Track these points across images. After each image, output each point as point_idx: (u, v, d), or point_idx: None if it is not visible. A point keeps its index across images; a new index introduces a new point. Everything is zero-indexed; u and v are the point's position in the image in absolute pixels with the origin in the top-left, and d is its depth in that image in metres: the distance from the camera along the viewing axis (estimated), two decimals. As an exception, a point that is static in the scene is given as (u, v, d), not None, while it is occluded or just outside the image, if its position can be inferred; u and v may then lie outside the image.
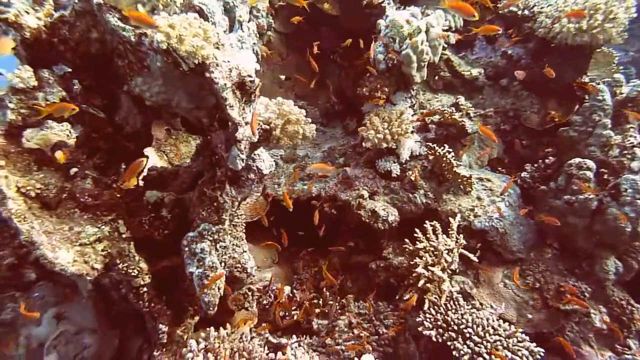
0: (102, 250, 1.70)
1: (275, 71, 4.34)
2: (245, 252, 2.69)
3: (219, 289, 2.41)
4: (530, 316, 3.14)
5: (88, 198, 1.71)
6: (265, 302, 3.36)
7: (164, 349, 2.07)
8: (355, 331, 3.07)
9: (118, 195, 1.80)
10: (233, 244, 2.65)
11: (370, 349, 3.03)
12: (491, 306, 3.11)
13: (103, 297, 2.49)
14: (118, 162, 1.96)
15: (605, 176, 3.05)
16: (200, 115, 1.75)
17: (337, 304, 3.29)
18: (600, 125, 3.02)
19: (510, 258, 3.27)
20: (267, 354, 2.14)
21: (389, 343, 3.13)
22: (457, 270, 3.27)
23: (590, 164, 2.98)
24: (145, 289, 2.02)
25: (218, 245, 2.07)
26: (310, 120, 1.96)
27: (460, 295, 3.02)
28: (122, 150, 1.93)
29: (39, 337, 3.34)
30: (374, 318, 3.14)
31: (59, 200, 1.66)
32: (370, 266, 3.46)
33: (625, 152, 2.99)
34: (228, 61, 1.57)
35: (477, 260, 3.07)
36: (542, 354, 2.64)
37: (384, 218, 3.29)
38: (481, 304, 3.10)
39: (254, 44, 2.77)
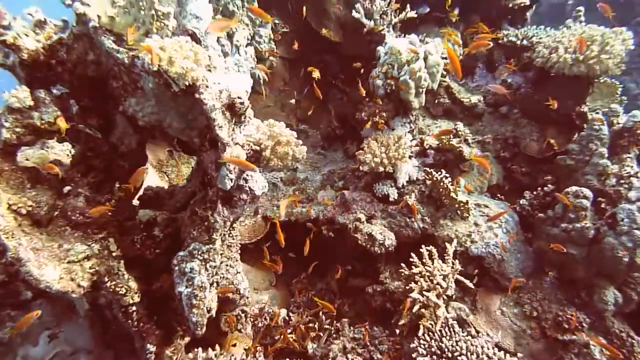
0: (90, 268, 1.72)
1: (278, 95, 4.41)
2: (239, 273, 2.68)
3: (208, 310, 2.40)
4: (527, 345, 3.07)
5: (79, 216, 1.73)
6: (260, 324, 3.34)
7: (151, 369, 2.05)
8: (350, 356, 3.02)
9: (109, 214, 1.82)
10: (227, 265, 2.65)
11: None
12: (487, 334, 3.05)
13: (99, 317, 2.48)
14: (112, 181, 1.99)
15: (603, 205, 3.02)
16: (192, 135, 1.78)
17: (332, 328, 3.25)
18: (596, 155, 3.01)
19: (507, 285, 3.22)
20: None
21: (387, 368, 3.08)
22: (454, 297, 3.23)
23: (587, 192, 2.95)
24: (134, 308, 2.02)
25: (208, 265, 2.08)
26: (301, 142, 1.99)
27: (455, 322, 2.97)
28: (117, 169, 1.97)
29: (36, 358, 3.34)
30: (368, 343, 3.10)
31: (50, 218, 1.68)
32: (367, 290, 3.43)
33: (622, 181, 2.97)
34: (218, 83, 1.61)
35: (473, 287, 3.03)
36: (536, 385, 2.57)
37: (381, 242, 3.27)
38: (477, 332, 3.04)
39: (252, 67, 2.84)
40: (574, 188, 3.02)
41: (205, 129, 1.69)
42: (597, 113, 3.13)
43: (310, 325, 3.37)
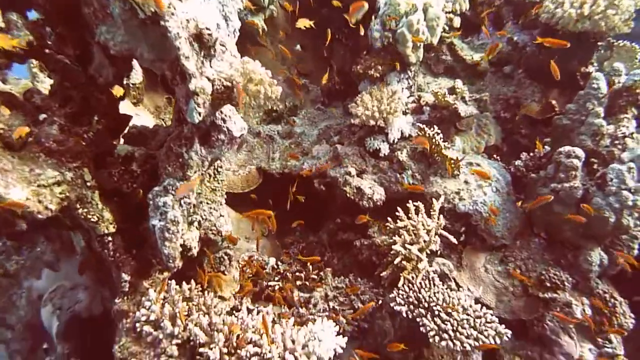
0: (60, 193, 1.78)
1: (279, 48, 4.36)
2: (222, 216, 2.75)
3: (188, 249, 2.48)
4: (509, 302, 3.11)
5: (53, 143, 1.79)
6: (248, 271, 3.44)
7: (126, 297, 2.15)
8: (331, 304, 3.11)
9: (84, 143, 1.87)
10: (210, 207, 2.72)
11: (345, 321, 3.06)
12: (468, 289, 3.09)
13: (95, 255, 2.58)
14: (90, 114, 2.03)
15: (595, 166, 2.98)
16: (164, 67, 1.80)
17: (317, 277, 3.33)
18: (592, 114, 2.94)
19: (493, 244, 3.24)
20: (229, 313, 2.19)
21: (365, 318, 3.16)
22: (439, 253, 3.26)
23: (579, 152, 2.90)
24: (109, 239, 2.10)
25: (182, 201, 2.13)
26: (276, 82, 1.99)
27: (437, 276, 3.01)
28: (95, 102, 2.01)
29: (38, 290, 3.53)
30: (350, 292, 3.17)
31: (23, 143, 1.74)
32: (354, 244, 3.48)
33: (617, 142, 2.91)
34: (186, 12, 1.61)
35: (456, 242, 3.05)
36: (509, 336, 2.61)
37: (369, 196, 3.30)
38: (458, 286, 3.08)
39: (241, 9, 2.80)
40: (567, 148, 2.97)
41: (175, 61, 1.71)
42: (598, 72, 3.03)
43: (298, 274, 3.46)
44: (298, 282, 3.38)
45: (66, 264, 3.31)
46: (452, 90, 3.60)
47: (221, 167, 2.76)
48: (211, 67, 1.79)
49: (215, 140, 2.20)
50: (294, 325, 2.19)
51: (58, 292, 3.25)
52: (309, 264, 3.51)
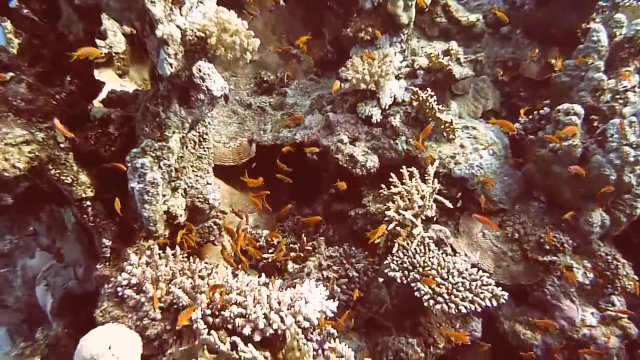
0: (30, 152, 1.74)
1: (268, 16, 4.29)
2: (210, 184, 2.71)
3: (173, 216, 2.45)
4: (508, 267, 3.06)
5: (21, 102, 1.74)
6: (241, 244, 3.41)
7: (107, 263, 2.12)
8: (325, 272, 3.08)
9: (54, 103, 1.83)
10: (196, 175, 2.68)
11: (339, 290, 3.03)
12: (465, 254, 3.05)
13: (85, 231, 2.55)
14: (62, 73, 1.98)
15: (595, 123, 2.90)
16: (132, 18, 1.74)
17: (311, 248, 3.30)
18: (592, 68, 2.86)
19: (491, 208, 3.18)
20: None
21: (360, 287, 3.13)
22: (435, 219, 3.22)
23: (578, 108, 2.83)
24: (88, 203, 2.06)
25: (162, 163, 2.09)
26: (253, 33, 1.93)
27: (432, 242, 2.97)
28: (66, 61, 1.95)
29: (33, 269, 3.53)
30: (344, 261, 3.13)
31: (-11, 101, 1.70)
32: (349, 214, 3.44)
33: (618, 96, 2.82)
34: (150, -45, 1.55)
35: (452, 207, 3.00)
36: (505, 298, 2.57)
37: (362, 163, 3.25)
38: (455, 252, 3.04)
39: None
40: (565, 105, 2.89)
41: (142, 9, 1.65)
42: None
43: (292, 246, 3.43)
44: (292, 254, 3.36)
45: (58, 242, 3.29)
46: (446, 53, 3.51)
47: (207, 134, 2.72)
48: (182, 15, 1.73)
49: (195, 100, 2.15)
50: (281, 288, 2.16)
51: (51, 270, 3.24)
52: (303, 235, 3.49)
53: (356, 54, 3.48)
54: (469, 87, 3.75)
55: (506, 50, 3.84)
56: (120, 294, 2.02)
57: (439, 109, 3.16)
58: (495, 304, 2.57)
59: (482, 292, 2.56)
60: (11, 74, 1.81)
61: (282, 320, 1.92)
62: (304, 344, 1.85)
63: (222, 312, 1.95)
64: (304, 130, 3.69)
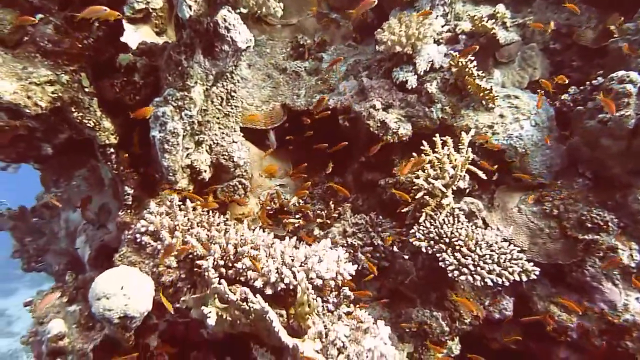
0: (53, 93, 1.79)
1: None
2: (235, 142, 2.72)
3: (195, 169, 2.47)
4: (544, 245, 2.90)
5: (48, 43, 1.78)
6: (269, 208, 3.43)
7: (129, 211, 2.17)
8: (349, 240, 3.04)
9: (80, 46, 1.86)
10: (222, 132, 2.69)
11: (363, 258, 2.99)
12: (498, 229, 2.91)
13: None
14: (91, 19, 2.01)
15: (654, 92, 2.65)
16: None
17: (337, 216, 3.27)
18: (654, 31, 2.60)
19: (530, 182, 3.01)
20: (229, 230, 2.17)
21: (386, 257, 3.07)
22: (468, 191, 3.09)
23: (635, 76, 2.59)
24: (112, 150, 2.11)
25: (183, 114, 2.10)
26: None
27: (462, 214, 2.85)
28: (95, 4, 1.98)
29: (74, 222, 3.70)
30: (370, 229, 3.08)
31: (18, 41, 1.75)
32: (379, 183, 3.37)
33: (682, 63, 2.56)
34: None
35: (485, 178, 2.86)
36: (536, 274, 2.44)
37: (394, 130, 3.15)
38: (486, 225, 2.91)
39: None
40: (620, 72, 2.66)
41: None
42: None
43: (319, 212, 3.41)
44: (319, 220, 3.34)
45: (98, 197, 3.43)
46: (492, 16, 3.30)
47: (235, 91, 2.71)
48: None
49: (219, 52, 2.14)
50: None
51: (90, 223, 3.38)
52: (331, 203, 3.45)
53: (395, 16, 3.34)
54: (516, 54, 3.53)
55: (560, 17, 3.56)
56: (138, 240, 2.07)
57: (479, 76, 2.99)
58: (525, 278, 2.46)
59: (511, 266, 2.44)
60: (40, 15, 1.85)
61: (294, 276, 1.90)
62: (313, 299, 1.83)
63: (235, 264, 1.95)
64: (337, 96, 3.61)
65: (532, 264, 2.48)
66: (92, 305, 1.78)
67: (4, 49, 1.72)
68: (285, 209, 3.48)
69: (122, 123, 2.16)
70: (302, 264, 1.95)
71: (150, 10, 3.31)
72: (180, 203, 2.22)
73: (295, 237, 2.17)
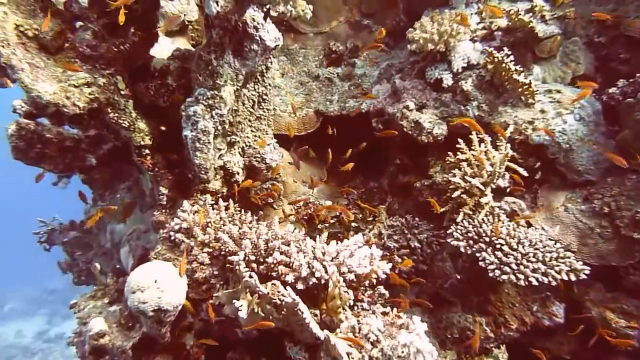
0: (90, 94, 1.89)
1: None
2: (268, 145, 2.77)
3: (231, 173, 2.53)
4: (595, 246, 2.76)
5: (86, 48, 1.90)
6: (303, 213, 3.45)
7: (163, 210, 2.25)
8: (385, 242, 3.00)
9: (115, 50, 1.97)
10: (255, 135, 2.75)
11: (400, 260, 2.94)
12: (542, 228, 2.80)
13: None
14: (126, 26, 2.13)
15: None
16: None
17: (370, 217, 3.25)
18: None
19: (576, 179, 2.89)
20: (263, 225, 2.20)
21: (424, 260, 3.01)
22: (509, 190, 2.99)
23: (687, 61, 2.46)
24: (147, 151, 2.20)
25: (214, 113, 2.16)
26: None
27: (502, 213, 2.77)
28: (130, 12, 2.10)
29: (119, 234, 3.87)
30: (406, 231, 3.03)
31: (59, 47, 1.88)
32: (414, 185, 3.32)
33: None
34: None
35: (526, 175, 2.77)
36: (586, 273, 2.32)
37: (429, 130, 3.12)
38: (529, 225, 2.80)
39: None
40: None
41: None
42: None
43: (354, 217, 3.40)
44: (354, 224, 3.32)
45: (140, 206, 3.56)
46: (529, 10, 3.24)
47: (267, 94, 2.78)
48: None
49: (249, 51, 2.21)
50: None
51: (134, 234, 3.52)
52: (366, 206, 3.44)
53: (427, 16, 3.34)
54: (557, 49, 3.43)
55: (605, 8, 3.44)
56: (172, 238, 2.13)
57: (516, 70, 2.93)
58: (573, 278, 2.34)
59: (557, 265, 2.33)
60: (80, 23, 1.98)
61: (325, 270, 1.90)
62: (345, 292, 1.82)
63: (266, 260, 1.97)
64: (370, 100, 3.62)
65: (581, 263, 2.36)
66: (127, 299, 1.84)
67: (46, 55, 1.85)
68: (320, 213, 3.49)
69: (156, 125, 2.25)
70: (334, 258, 1.94)
71: (187, 23, 3.46)
72: (213, 202, 2.27)
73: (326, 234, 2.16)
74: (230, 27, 2.00)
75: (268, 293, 1.83)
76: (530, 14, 3.16)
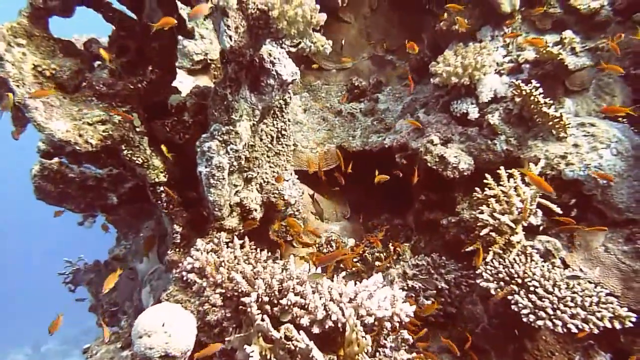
0: (104, 132, 1.90)
1: (363, 23, 4.31)
2: (287, 181, 2.72)
3: (248, 210, 2.48)
4: (640, 290, 2.55)
5: (103, 87, 1.92)
6: (325, 251, 3.37)
7: (177, 249, 2.20)
8: (410, 282, 2.86)
9: (132, 87, 1.99)
10: (273, 171, 2.71)
11: (427, 303, 2.79)
12: (581, 270, 2.62)
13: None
14: (145, 63, 2.16)
15: None
16: (200, -2, 1.85)
17: (394, 255, 3.12)
18: None
19: (616, 218, 2.71)
20: (278, 267, 2.12)
21: (452, 302, 2.86)
22: (542, 229, 2.84)
23: None
24: (161, 189, 2.18)
25: (229, 148, 2.14)
26: (319, 7, 1.91)
27: (535, 252, 2.61)
28: (149, 51, 2.13)
29: (142, 273, 3.87)
30: (432, 271, 2.89)
31: (76, 85, 1.91)
32: (441, 222, 3.20)
33: None
34: None
35: (560, 212, 2.62)
36: (632, 320, 2.12)
37: (454, 165, 3.02)
38: (566, 265, 2.63)
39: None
40: None
41: (207, -13, 1.74)
42: None
43: (378, 255, 3.28)
44: (377, 263, 3.20)
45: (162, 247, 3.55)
46: (558, 43, 3.17)
47: (285, 130, 2.76)
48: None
49: (265, 86, 2.20)
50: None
51: (155, 274, 3.49)
52: (390, 245, 3.32)
53: (451, 49, 3.30)
54: (589, 82, 3.32)
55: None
56: (185, 278, 2.07)
57: (546, 103, 2.83)
58: (618, 326, 2.14)
59: (599, 311, 2.15)
60: (98, 62, 2.02)
61: (343, 312, 1.79)
62: (362, 336, 1.70)
63: (281, 301, 1.88)
64: (393, 135, 3.57)
65: (626, 309, 2.17)
66: (134, 344, 1.77)
67: (62, 94, 1.88)
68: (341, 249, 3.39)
69: (173, 162, 2.24)
70: (351, 300, 1.84)
71: (209, 62, 3.53)
72: (228, 240, 2.22)
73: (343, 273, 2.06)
74: (245, 62, 2.00)
75: (281, 338, 1.73)
76: (560, 46, 3.08)
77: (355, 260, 3.30)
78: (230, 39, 1.76)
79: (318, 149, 3.73)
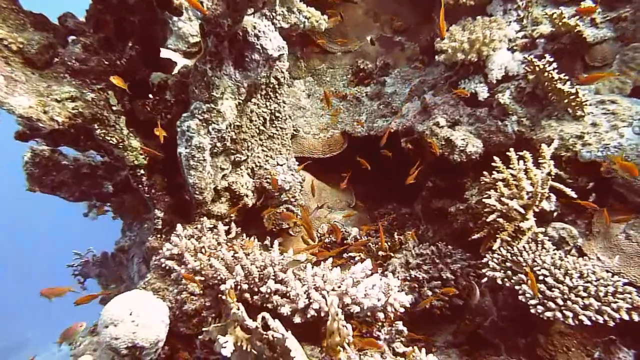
0: (73, 109, 1.81)
1: (370, 3, 4.15)
2: (280, 165, 2.62)
3: (238, 195, 2.39)
4: (665, 281, 2.35)
5: (75, 62, 1.84)
6: (327, 240, 3.26)
7: (158, 235, 2.12)
8: (413, 272, 2.72)
9: (107, 64, 1.90)
10: (266, 155, 2.61)
11: (430, 294, 2.65)
12: (598, 258, 2.43)
13: None
14: (124, 40, 2.08)
15: None
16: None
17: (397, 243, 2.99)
18: None
19: (638, 202, 2.51)
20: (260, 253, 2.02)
21: (459, 294, 2.70)
22: (557, 214, 2.65)
23: None
24: (142, 172, 2.09)
25: (210, 128, 2.04)
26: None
27: (549, 240, 2.43)
28: (128, 26, 2.04)
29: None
30: (437, 261, 2.74)
31: (47, 61, 1.83)
32: (449, 210, 3.04)
33: None
34: None
35: (575, 196, 2.43)
36: (651, 313, 1.94)
37: (461, 148, 2.86)
38: (582, 254, 2.44)
39: None
40: None
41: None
42: None
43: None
44: (381, 253, 3.07)
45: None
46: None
47: (279, 112, 2.65)
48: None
49: (250, 61, 2.09)
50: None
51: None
52: (395, 234, 3.18)
53: (459, 25, 3.13)
54: (612, 57, 3.09)
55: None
56: (163, 265, 1.98)
57: (560, 79, 2.64)
58: (637, 318, 1.96)
59: (615, 301, 1.97)
60: (73, 37, 1.94)
61: (326, 301, 1.67)
62: (343, 326, 1.57)
63: (261, 289, 1.78)
64: (400, 119, 3.42)
65: (645, 300, 1.99)
66: (99, 334, 1.69)
67: (31, 69, 1.80)
68: (346, 241, 3.27)
69: (156, 144, 2.15)
70: (335, 288, 1.72)
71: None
72: (212, 226, 2.12)
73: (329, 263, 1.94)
74: (223, 33, 1.89)
75: (257, 327, 1.62)
76: (577, 17, 2.86)
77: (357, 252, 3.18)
78: (202, 4, 1.66)
79: (321, 135, 3.61)
